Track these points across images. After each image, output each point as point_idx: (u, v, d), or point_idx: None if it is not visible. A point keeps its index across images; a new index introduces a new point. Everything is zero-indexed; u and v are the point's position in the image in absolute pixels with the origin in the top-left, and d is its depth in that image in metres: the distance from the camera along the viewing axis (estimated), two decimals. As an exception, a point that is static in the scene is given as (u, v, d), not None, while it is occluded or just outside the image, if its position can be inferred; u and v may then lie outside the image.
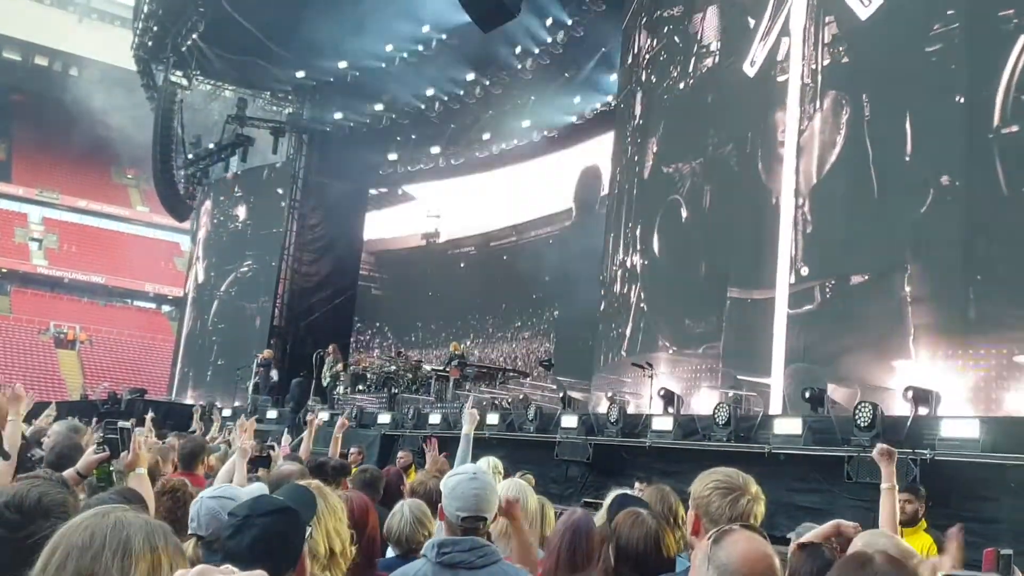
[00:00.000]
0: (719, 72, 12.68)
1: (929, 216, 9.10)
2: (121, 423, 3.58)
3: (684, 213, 12.79)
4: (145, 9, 22.62)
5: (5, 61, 44.40)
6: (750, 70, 11.90)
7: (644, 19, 14.93)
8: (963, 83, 9.08)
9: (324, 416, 15.10)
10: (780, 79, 11.34)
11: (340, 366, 18.89)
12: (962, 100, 9.06)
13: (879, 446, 3.76)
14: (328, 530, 2.40)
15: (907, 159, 9.47)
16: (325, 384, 18.64)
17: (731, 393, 10.01)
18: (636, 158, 14.49)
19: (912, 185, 9.33)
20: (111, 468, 3.38)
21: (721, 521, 2.44)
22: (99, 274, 48.55)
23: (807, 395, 8.91)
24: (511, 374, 18.82)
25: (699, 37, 13.21)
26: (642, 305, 13.31)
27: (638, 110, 14.86)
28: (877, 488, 6.98)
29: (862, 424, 7.76)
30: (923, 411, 7.94)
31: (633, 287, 13.78)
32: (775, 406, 9.90)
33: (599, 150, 23.73)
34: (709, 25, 13.06)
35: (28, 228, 49.99)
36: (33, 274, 47.79)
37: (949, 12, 9.40)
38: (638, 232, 13.92)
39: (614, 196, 15.51)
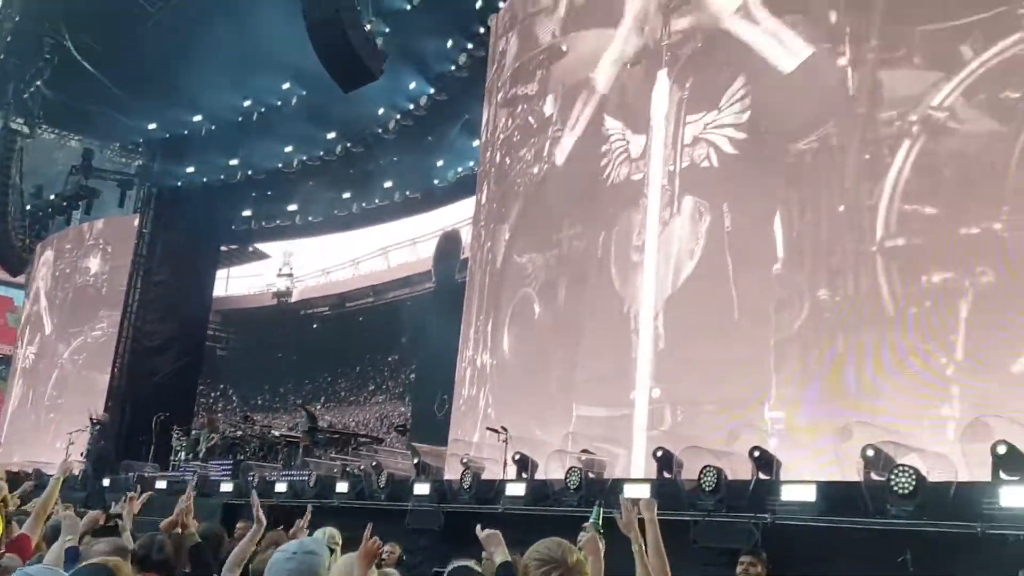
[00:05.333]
0: (574, 160, 12.19)
1: (805, 332, 8.97)
2: None
3: (537, 309, 12.05)
4: (-15, 53, 21.41)
5: None
6: (603, 160, 11.54)
7: (500, 95, 14.49)
8: (843, 191, 8.99)
9: (161, 484, 14.34)
10: (636, 177, 11.01)
11: (216, 437, 17.80)
12: (843, 209, 8.99)
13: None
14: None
15: (777, 270, 9.37)
16: (177, 452, 17.75)
17: (584, 457, 10.07)
18: (489, 244, 13.77)
19: (782, 300, 9.18)
20: None
21: None
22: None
23: (658, 454, 9.03)
24: (364, 440, 18.38)
25: (554, 120, 12.76)
26: (489, 411, 12.38)
27: (492, 193, 14.19)
28: (725, 552, 7.24)
29: (707, 488, 7.95)
30: (764, 476, 8.21)
31: (482, 390, 12.83)
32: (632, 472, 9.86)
33: (461, 214, 23.93)
34: (564, 108, 12.60)
35: None
36: None
37: (826, 114, 9.27)
38: (489, 327, 13.06)
39: (468, 283, 14.57)
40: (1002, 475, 6.49)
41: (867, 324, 8.67)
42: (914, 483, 6.66)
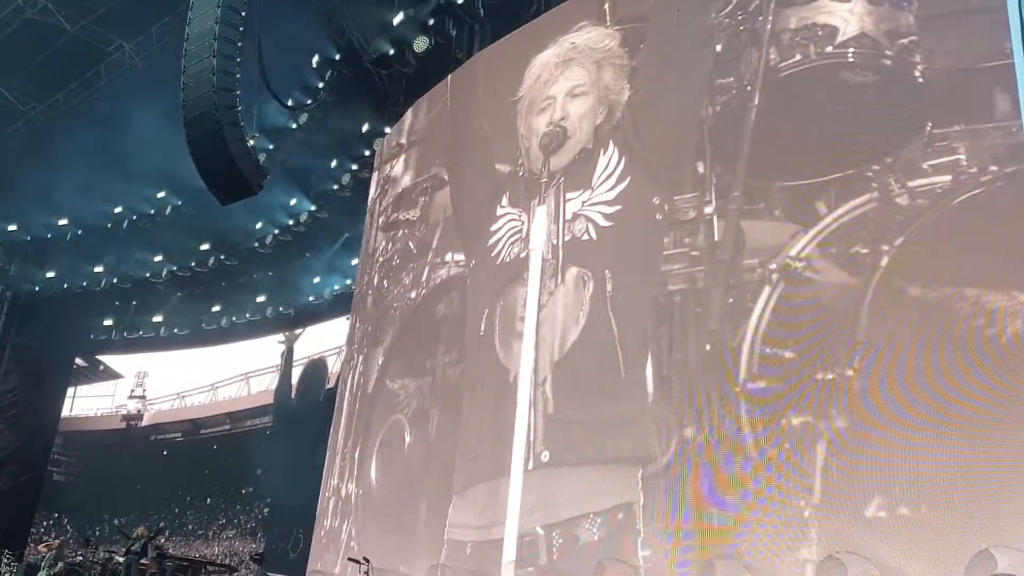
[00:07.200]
0: (453, 283, 12.23)
1: (673, 467, 9.03)
2: None
3: (407, 437, 11.87)
4: None
5: None
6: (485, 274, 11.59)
7: (381, 218, 14.56)
8: (708, 331, 9.23)
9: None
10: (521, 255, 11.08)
11: (61, 565, 16.06)
12: (709, 348, 9.19)
13: None
14: None
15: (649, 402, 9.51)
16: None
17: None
18: (361, 369, 13.58)
19: (652, 436, 9.30)
20: None
21: None
22: None
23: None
24: (215, 568, 17.09)
25: (433, 245, 12.90)
26: (352, 544, 11.91)
27: (368, 315, 14.06)
28: None
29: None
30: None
31: (346, 521, 12.41)
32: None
33: (333, 336, 23.36)
34: (445, 236, 12.74)
35: None
36: None
37: (693, 253, 9.61)
38: (357, 454, 12.73)
39: (336, 407, 14.26)
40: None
41: (730, 463, 8.76)
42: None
